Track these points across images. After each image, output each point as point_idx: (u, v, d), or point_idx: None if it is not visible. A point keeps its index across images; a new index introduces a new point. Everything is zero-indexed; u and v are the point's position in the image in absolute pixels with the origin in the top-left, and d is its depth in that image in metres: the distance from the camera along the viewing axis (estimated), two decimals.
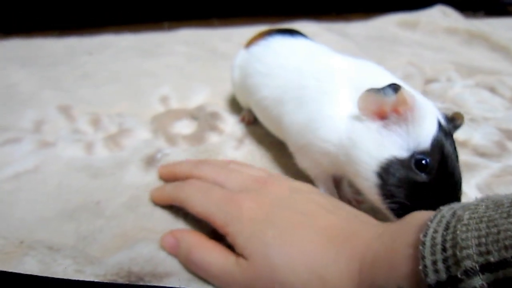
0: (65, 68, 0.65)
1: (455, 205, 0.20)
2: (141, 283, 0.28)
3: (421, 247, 0.19)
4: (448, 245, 0.18)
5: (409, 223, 0.22)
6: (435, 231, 0.19)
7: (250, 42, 0.46)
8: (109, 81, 0.59)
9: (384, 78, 0.31)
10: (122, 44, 0.76)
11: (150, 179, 0.39)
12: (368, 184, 0.29)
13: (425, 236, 0.19)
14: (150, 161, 0.41)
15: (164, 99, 0.54)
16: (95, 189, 0.38)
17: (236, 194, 0.30)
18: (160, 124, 0.48)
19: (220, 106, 0.52)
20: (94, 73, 0.62)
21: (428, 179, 0.27)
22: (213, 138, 0.45)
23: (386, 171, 0.27)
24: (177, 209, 0.35)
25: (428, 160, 0.27)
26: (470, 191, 0.38)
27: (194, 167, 0.35)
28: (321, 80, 0.34)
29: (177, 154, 0.42)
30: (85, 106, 0.52)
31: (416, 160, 0.27)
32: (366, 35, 0.83)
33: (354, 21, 0.90)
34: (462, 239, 0.17)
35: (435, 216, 0.20)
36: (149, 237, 0.32)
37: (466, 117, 0.49)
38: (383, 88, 0.27)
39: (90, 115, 0.50)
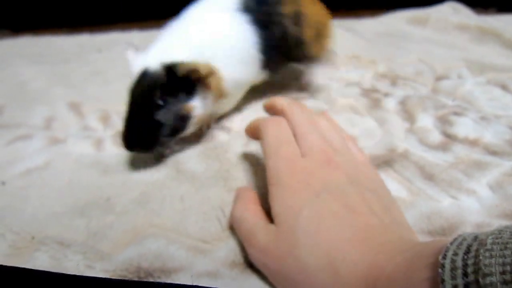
0: (75, 65, 0.65)
1: (477, 231, 0.20)
2: (150, 279, 0.28)
3: (440, 270, 0.18)
4: (469, 270, 0.17)
5: (432, 245, 0.22)
6: (455, 254, 0.18)
7: None
8: (118, 78, 0.60)
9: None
10: (131, 41, 0.76)
11: (159, 176, 0.39)
12: None
13: (444, 258, 0.18)
14: (159, 157, 0.42)
15: None
16: (105, 185, 0.38)
17: (298, 159, 0.30)
18: None
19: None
20: (103, 70, 0.63)
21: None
22: (221, 136, 0.45)
23: None
24: (187, 206, 0.35)
25: None
26: (482, 190, 0.37)
27: (290, 105, 0.35)
28: None
29: (186, 151, 0.42)
30: (95, 103, 0.53)
31: None
32: (376, 32, 0.82)
33: (364, 17, 0.89)
34: (485, 265, 0.16)
35: (455, 239, 0.19)
36: (159, 233, 0.32)
37: (477, 115, 0.48)
38: None
39: (100, 112, 0.51)
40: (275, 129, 0.33)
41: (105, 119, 0.49)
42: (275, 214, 0.28)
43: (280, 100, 0.36)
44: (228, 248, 0.31)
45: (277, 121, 0.34)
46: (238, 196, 0.33)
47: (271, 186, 0.29)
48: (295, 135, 0.32)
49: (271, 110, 0.37)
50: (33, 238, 0.32)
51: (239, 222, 0.30)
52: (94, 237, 0.32)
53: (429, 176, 0.39)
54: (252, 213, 0.30)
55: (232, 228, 0.33)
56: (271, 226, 0.28)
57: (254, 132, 0.36)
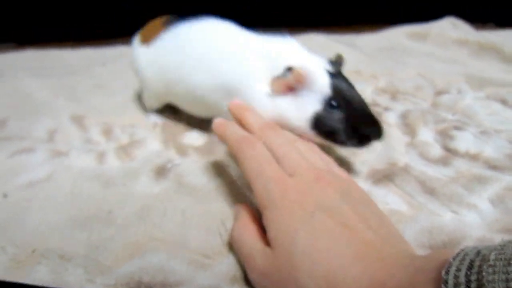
0: (79, 78, 0.66)
1: (479, 246, 0.20)
2: None
3: (443, 286, 0.18)
4: (473, 286, 0.17)
5: (433, 259, 0.22)
6: (458, 269, 0.18)
7: (150, 37, 0.48)
8: (122, 92, 0.60)
9: (293, 56, 0.39)
10: None
11: (161, 189, 0.39)
12: (311, 138, 0.37)
13: (447, 273, 0.18)
14: (160, 171, 0.42)
15: (175, 110, 0.55)
16: (107, 198, 0.38)
17: (286, 178, 0.29)
18: (171, 134, 0.49)
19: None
20: (107, 84, 0.63)
21: (343, 112, 0.36)
22: (223, 150, 0.46)
23: (315, 124, 0.36)
24: (188, 220, 0.35)
25: (335, 101, 0.36)
26: (483, 204, 0.37)
27: (262, 129, 0.35)
28: (246, 63, 0.40)
29: (187, 165, 0.43)
30: (98, 116, 0.53)
31: (329, 106, 0.36)
32: (376, 47, 0.83)
33: (364, 32, 0.91)
34: (489, 282, 0.17)
35: (457, 254, 0.19)
36: (160, 247, 0.32)
37: (477, 130, 0.49)
38: (282, 73, 0.36)
39: (103, 125, 0.51)
40: (250, 151, 0.32)
41: (107, 132, 0.50)
42: (271, 238, 0.27)
43: (251, 120, 0.36)
44: (229, 263, 0.31)
45: (250, 141, 0.33)
46: (236, 215, 0.33)
47: (264, 209, 0.29)
48: (275, 157, 0.32)
49: (239, 122, 0.37)
50: (34, 251, 0.32)
51: (238, 244, 0.30)
52: (95, 251, 0.32)
53: (430, 190, 0.39)
54: (250, 235, 0.30)
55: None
56: (268, 250, 0.27)
57: (221, 138, 0.36)
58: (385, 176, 0.41)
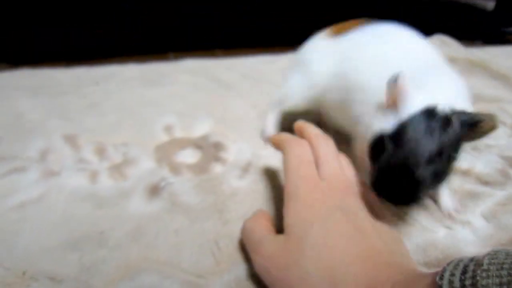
0: (72, 97, 0.66)
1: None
2: None
3: None
4: None
5: (433, 271, 0.22)
6: (452, 274, 0.19)
7: (341, 31, 0.45)
8: (114, 111, 0.60)
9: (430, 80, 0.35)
10: (128, 74, 0.77)
11: (154, 208, 0.39)
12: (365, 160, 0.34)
13: (441, 279, 0.19)
14: (154, 190, 0.42)
15: (168, 128, 0.55)
16: (99, 218, 0.38)
17: (317, 180, 0.31)
18: (164, 153, 0.49)
19: (224, 135, 0.52)
20: (100, 103, 0.63)
21: (392, 147, 0.30)
22: (217, 168, 0.46)
23: (370, 142, 0.33)
24: (181, 240, 0.35)
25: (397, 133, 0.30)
26: (476, 220, 0.37)
27: (316, 136, 0.36)
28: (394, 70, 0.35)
29: (181, 183, 0.43)
30: (91, 135, 0.53)
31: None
32: None
33: None
34: (483, 286, 0.17)
35: (451, 261, 0.20)
36: (152, 268, 0.32)
37: (468, 145, 0.49)
38: (389, 80, 0.31)
39: (95, 144, 0.51)
40: (298, 149, 0.34)
41: (100, 151, 0.49)
42: (287, 225, 0.29)
43: (309, 129, 0.38)
44: (223, 283, 0.31)
45: (301, 142, 0.35)
46: (252, 214, 0.34)
47: (288, 200, 0.31)
48: (317, 162, 0.33)
49: (299, 133, 0.39)
50: (24, 273, 0.31)
51: (249, 233, 0.32)
52: (87, 272, 0.32)
53: (424, 206, 0.39)
54: (262, 227, 0.31)
55: (227, 262, 0.33)
56: (280, 236, 0.29)
57: (277, 144, 0.38)
58: None
